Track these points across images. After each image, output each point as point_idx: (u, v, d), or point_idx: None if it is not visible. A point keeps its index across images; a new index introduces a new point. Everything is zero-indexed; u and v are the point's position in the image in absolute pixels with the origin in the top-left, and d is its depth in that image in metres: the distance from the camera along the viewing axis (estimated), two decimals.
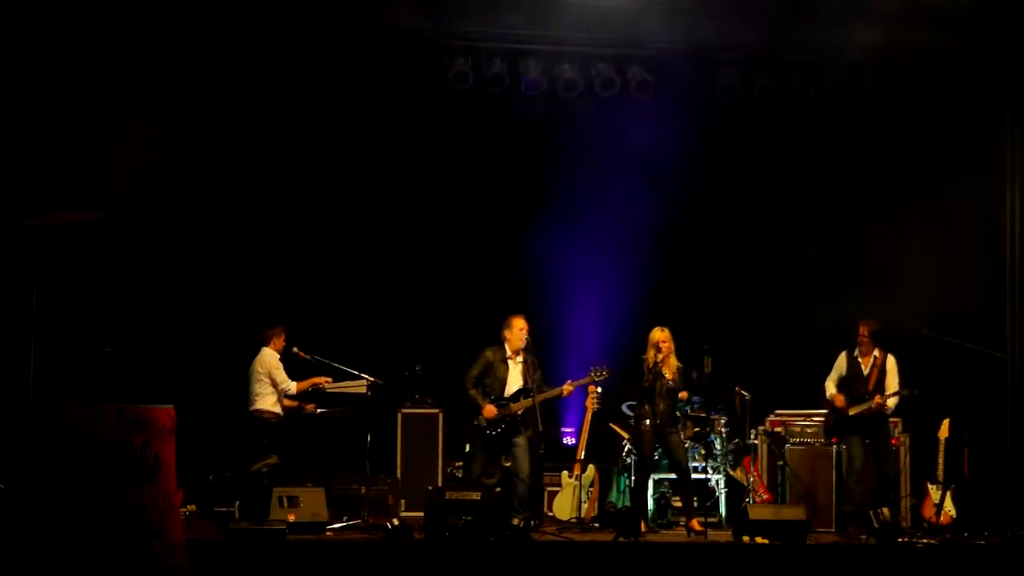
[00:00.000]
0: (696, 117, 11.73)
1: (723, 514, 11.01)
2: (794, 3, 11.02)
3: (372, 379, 11.03)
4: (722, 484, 11.12)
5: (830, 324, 11.35)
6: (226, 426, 11.14)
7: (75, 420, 6.81)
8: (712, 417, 11.13)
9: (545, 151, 12.42)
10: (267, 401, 11.00)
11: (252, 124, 11.88)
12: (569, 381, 10.62)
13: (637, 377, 10.41)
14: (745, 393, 11.11)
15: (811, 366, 11.17)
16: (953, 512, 10.57)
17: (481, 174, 12.52)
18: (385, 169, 12.41)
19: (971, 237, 11.86)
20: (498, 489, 10.10)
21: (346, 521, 10.24)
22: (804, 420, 11.27)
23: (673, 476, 10.87)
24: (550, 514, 11.00)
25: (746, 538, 9.50)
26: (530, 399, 10.33)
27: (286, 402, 11.08)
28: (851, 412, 10.57)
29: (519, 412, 10.43)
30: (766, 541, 9.39)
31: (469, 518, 9.34)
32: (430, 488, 10.22)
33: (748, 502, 10.69)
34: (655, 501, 10.96)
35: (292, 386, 11.01)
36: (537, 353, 10.68)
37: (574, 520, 10.71)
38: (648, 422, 10.34)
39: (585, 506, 10.73)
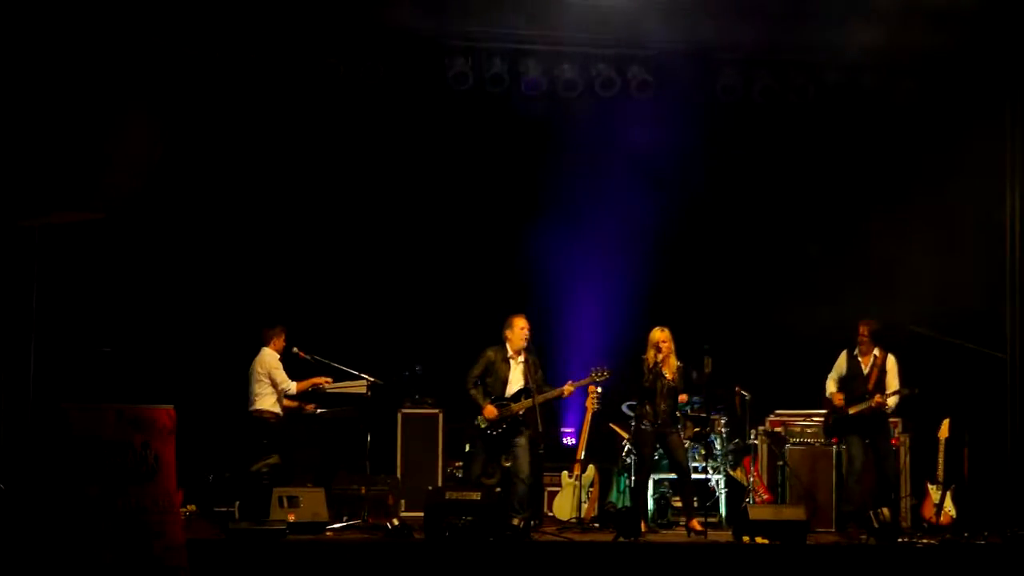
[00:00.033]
0: (696, 117, 11.73)
1: (723, 514, 11.00)
2: (794, 3, 11.02)
3: (372, 379, 11.03)
4: (722, 484, 11.12)
5: (830, 324, 11.35)
6: (226, 426, 11.13)
7: (75, 420, 6.81)
8: (712, 417, 11.13)
9: (545, 151, 12.42)
10: (267, 401, 11.00)
11: (252, 124, 11.88)
12: (570, 381, 10.62)
13: (637, 377, 10.41)
14: (745, 393, 11.11)
15: (811, 366, 11.17)
16: (953, 512, 10.57)
17: (481, 174, 12.52)
18: (385, 169, 12.41)
19: (971, 237, 11.86)
20: (498, 489, 10.10)
21: (346, 521, 10.24)
22: (804, 420, 11.27)
23: (673, 476, 10.87)
24: (550, 514, 11.00)
25: (746, 538, 9.50)
26: (531, 399, 10.32)
27: (286, 402, 11.08)
28: (851, 411, 10.57)
29: (520, 412, 10.43)
30: (766, 541, 9.39)
31: (469, 518, 9.34)
32: (430, 488, 10.22)
33: (748, 502, 10.69)
34: (655, 501, 10.96)
35: (292, 386, 11.01)
36: (537, 353, 10.68)
37: (574, 520, 10.71)
38: (648, 422, 10.34)
39: (585, 506, 10.73)
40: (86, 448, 6.76)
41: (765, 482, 11.15)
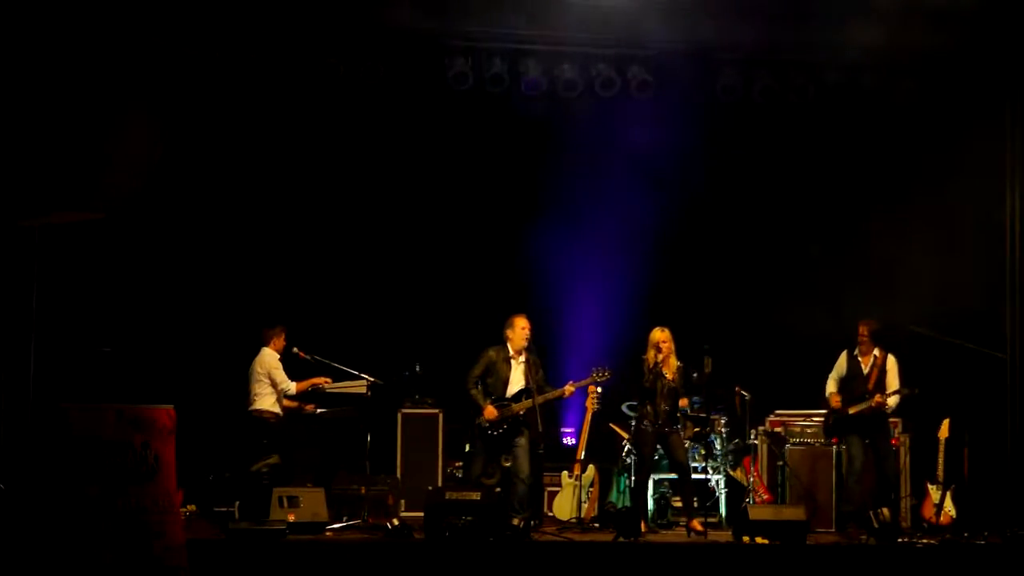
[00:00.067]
0: (696, 117, 11.73)
1: (723, 514, 11.00)
2: (794, 3, 11.02)
3: (372, 379, 11.03)
4: (722, 484, 11.12)
5: (830, 324, 11.35)
6: (226, 426, 11.13)
7: (75, 420, 6.81)
8: (712, 417, 11.12)
9: (545, 151, 12.42)
10: (267, 401, 11.00)
11: (252, 124, 11.88)
12: (571, 382, 10.62)
13: (638, 377, 10.41)
14: (745, 393, 11.11)
15: (811, 366, 11.17)
16: (953, 512, 10.57)
17: (481, 174, 12.52)
18: (385, 169, 12.41)
19: (971, 237, 11.85)
20: (498, 489, 10.10)
21: (346, 521, 10.24)
22: (804, 420, 11.27)
23: (673, 476, 10.87)
24: (550, 514, 11.00)
25: (746, 538, 9.50)
26: (531, 399, 10.32)
27: (286, 402, 11.08)
28: (851, 411, 10.57)
29: (521, 412, 10.43)
30: (766, 541, 9.39)
31: (469, 518, 9.34)
32: (430, 488, 10.22)
33: (748, 502, 10.69)
34: (655, 501, 10.96)
35: (291, 386, 11.01)
36: (538, 353, 10.68)
37: (574, 520, 10.71)
38: (649, 422, 10.34)
39: (585, 506, 10.74)
40: (86, 448, 6.76)
41: (765, 482, 11.15)
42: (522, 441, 10.44)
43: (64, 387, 10.25)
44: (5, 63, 9.59)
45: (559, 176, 12.39)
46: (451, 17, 11.09)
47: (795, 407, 11.43)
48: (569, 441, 12.03)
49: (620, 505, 10.90)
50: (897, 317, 11.19)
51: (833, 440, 10.90)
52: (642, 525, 10.11)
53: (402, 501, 10.86)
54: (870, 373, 10.62)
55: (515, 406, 10.44)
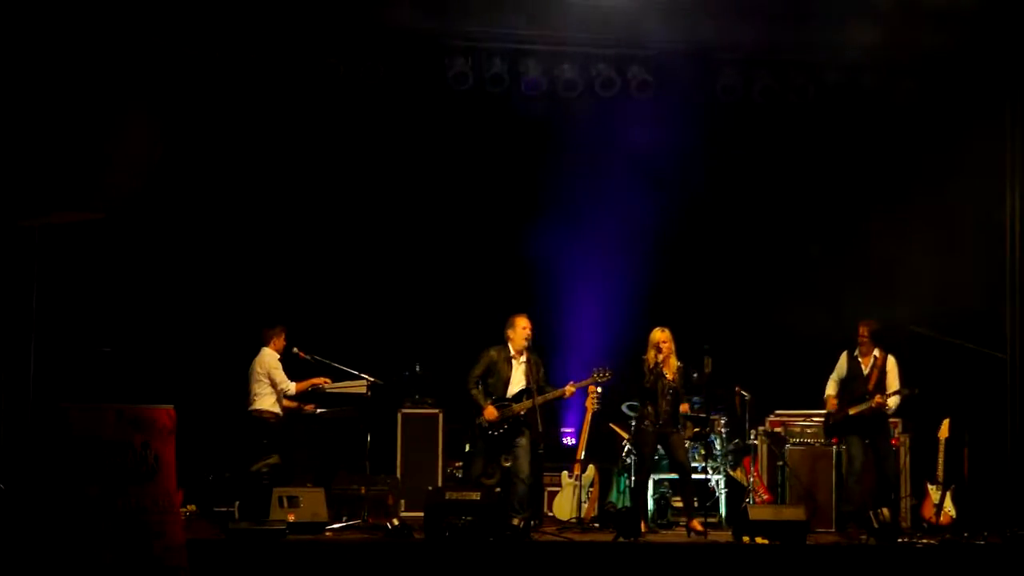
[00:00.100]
0: (696, 117, 11.73)
1: (723, 514, 11.00)
2: (794, 3, 11.02)
3: (372, 379, 11.03)
4: (722, 484, 11.12)
5: (830, 324, 11.35)
6: (226, 426, 11.13)
7: (75, 420, 6.81)
8: (712, 417, 11.13)
9: (545, 151, 12.42)
10: (267, 401, 11.00)
11: (252, 124, 11.88)
12: (571, 382, 10.62)
13: (638, 377, 10.41)
14: (745, 393, 11.11)
15: (811, 366, 11.17)
16: (953, 512, 10.56)
17: (481, 174, 12.52)
18: (385, 169, 12.41)
19: (971, 237, 11.85)
20: (498, 489, 10.10)
21: (346, 521, 10.24)
22: (804, 420, 11.27)
23: (673, 476, 10.88)
24: (550, 514, 11.00)
25: (746, 538, 9.50)
26: (532, 400, 10.32)
27: (285, 402, 11.08)
28: (851, 412, 10.57)
29: (521, 412, 10.43)
30: (766, 541, 9.39)
31: (469, 518, 9.34)
32: (430, 488, 10.22)
33: (748, 502, 10.69)
34: (655, 501, 10.96)
35: (291, 387, 11.01)
36: (537, 353, 10.67)
37: (574, 520, 10.71)
38: (650, 422, 10.34)
39: (585, 506, 10.74)
40: (86, 448, 6.76)
41: (765, 482, 11.15)
42: (523, 441, 10.43)
43: (64, 387, 10.26)
44: (5, 63, 9.59)
45: (559, 176, 12.39)
46: (451, 17, 11.09)
47: (795, 407, 11.43)
48: (569, 441, 12.03)
49: (620, 505, 10.91)
50: (897, 317, 11.19)
51: (833, 440, 10.91)
52: (642, 525, 10.11)
53: (402, 501, 10.86)
54: (870, 374, 10.61)
55: (516, 406, 10.44)
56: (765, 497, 11.01)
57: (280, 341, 11.15)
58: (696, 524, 10.14)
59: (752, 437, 11.17)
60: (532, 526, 10.06)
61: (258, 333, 11.17)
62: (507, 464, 10.55)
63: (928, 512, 10.67)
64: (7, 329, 10.33)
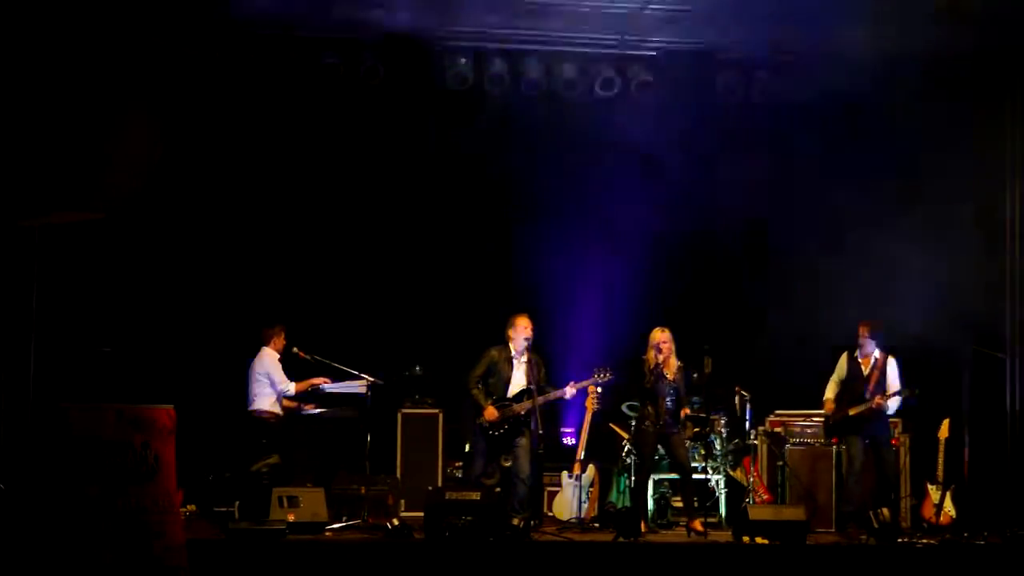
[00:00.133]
0: (696, 117, 11.72)
1: (723, 514, 11.00)
2: (794, 3, 11.01)
3: (372, 379, 11.03)
4: (722, 484, 11.12)
5: (830, 324, 11.35)
6: (226, 426, 11.13)
7: (75, 420, 6.81)
8: (712, 417, 11.13)
9: (545, 151, 12.41)
10: (266, 401, 11.00)
11: (252, 124, 11.87)
12: (572, 383, 10.61)
13: (638, 378, 10.41)
14: (745, 393, 11.11)
15: (811, 366, 11.17)
16: (953, 512, 10.57)
17: (481, 174, 12.51)
18: (385, 169, 12.40)
19: (971, 237, 11.84)
20: (498, 489, 10.10)
21: (346, 521, 10.24)
22: (804, 420, 11.27)
23: (673, 476, 10.89)
24: (550, 514, 11.00)
25: (746, 538, 9.51)
26: (532, 400, 10.32)
27: (285, 402, 11.08)
28: (851, 412, 10.57)
29: (522, 412, 10.43)
30: (766, 541, 9.39)
31: (469, 518, 9.34)
32: (430, 488, 10.23)
33: (748, 502, 10.69)
34: (655, 501, 10.96)
35: (291, 387, 11.01)
36: (537, 353, 10.67)
37: (574, 520, 10.70)
38: (651, 422, 10.34)
39: (585, 506, 10.73)
40: (86, 448, 6.76)
41: (765, 482, 11.15)
42: (523, 441, 10.43)
43: (64, 387, 10.26)
44: (5, 63, 9.59)
45: (559, 176, 12.38)
46: (451, 17, 11.09)
47: (795, 407, 11.43)
48: (569, 441, 12.03)
49: (620, 505, 10.91)
50: (897, 317, 11.18)
51: (833, 440, 10.91)
52: (642, 525, 10.11)
53: (402, 501, 10.85)
54: (870, 374, 10.61)
55: (516, 406, 10.44)
56: (765, 497, 11.01)
57: (280, 341, 11.15)
58: (697, 524, 10.15)
59: (752, 437, 11.17)
60: (532, 526, 10.06)
61: (258, 333, 11.17)
62: (507, 464, 10.55)
63: (928, 512, 10.67)
64: (7, 329, 10.33)
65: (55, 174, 9.34)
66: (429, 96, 11.87)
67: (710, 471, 11.14)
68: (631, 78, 11.55)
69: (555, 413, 11.84)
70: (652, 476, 10.75)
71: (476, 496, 9.57)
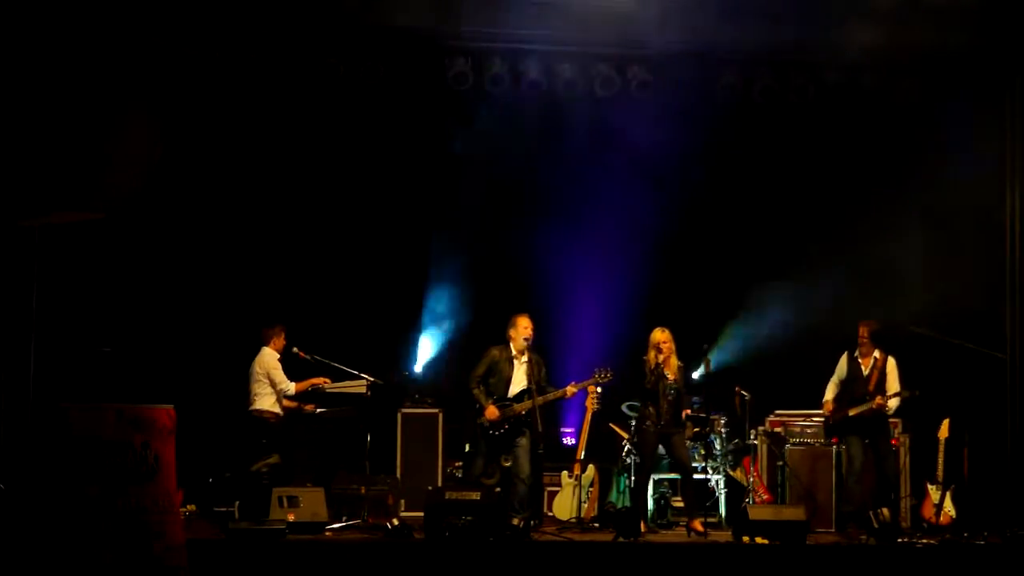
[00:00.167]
0: (696, 117, 11.73)
1: (723, 514, 11.00)
2: (794, 3, 11.02)
3: (372, 379, 11.03)
4: (722, 484, 11.11)
5: (830, 324, 11.35)
6: (226, 426, 11.13)
7: (75, 420, 6.81)
8: (712, 417, 11.13)
9: (545, 151, 12.41)
10: (267, 401, 11.00)
11: (252, 124, 11.87)
12: (572, 383, 10.62)
13: (639, 378, 10.41)
14: (745, 393, 11.11)
15: (811, 366, 11.17)
16: (953, 512, 10.56)
17: (481, 174, 12.51)
18: (385, 169, 12.40)
19: (971, 237, 11.85)
20: (498, 489, 10.10)
21: (346, 521, 10.24)
22: (804, 420, 11.27)
23: (673, 476, 10.89)
24: (550, 514, 10.99)
25: (746, 538, 9.50)
26: (532, 400, 10.32)
27: (286, 402, 11.08)
28: (851, 413, 10.56)
29: (522, 412, 10.43)
30: (766, 541, 9.39)
31: (469, 518, 9.34)
32: (430, 488, 10.22)
33: (748, 502, 10.69)
34: (655, 501, 10.96)
35: (291, 387, 11.01)
36: (537, 353, 10.67)
37: (574, 520, 10.71)
38: (652, 423, 10.34)
39: (585, 506, 10.73)
40: (86, 448, 6.76)
41: (765, 482, 11.15)
42: (523, 441, 10.43)
43: (64, 387, 10.26)
44: (5, 63, 9.59)
45: (559, 176, 12.39)
46: (451, 17, 11.09)
47: (795, 407, 11.43)
48: (569, 441, 12.03)
49: (620, 505, 10.91)
50: (897, 317, 11.19)
51: (833, 440, 10.91)
52: (642, 525, 10.11)
53: (402, 501, 10.86)
54: (870, 375, 10.61)
55: (517, 406, 10.44)
56: (765, 497, 11.01)
57: (280, 341, 11.15)
58: (697, 524, 10.15)
59: (752, 437, 11.17)
60: (532, 526, 10.06)
61: (258, 333, 11.17)
62: (507, 464, 10.55)
63: (928, 512, 10.67)
64: (7, 329, 10.33)
65: (55, 174, 9.33)
66: (429, 96, 11.87)
67: (710, 471, 11.14)
68: (631, 78, 11.55)
69: (555, 413, 11.85)
70: (652, 476, 10.75)
71: (476, 496, 9.57)
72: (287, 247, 12.24)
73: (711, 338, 11.56)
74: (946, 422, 10.84)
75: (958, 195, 11.62)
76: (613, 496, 11.18)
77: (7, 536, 6.94)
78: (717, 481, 11.14)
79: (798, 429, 11.19)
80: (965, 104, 11.61)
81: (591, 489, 10.89)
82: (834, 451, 10.91)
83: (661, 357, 10.31)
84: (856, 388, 10.63)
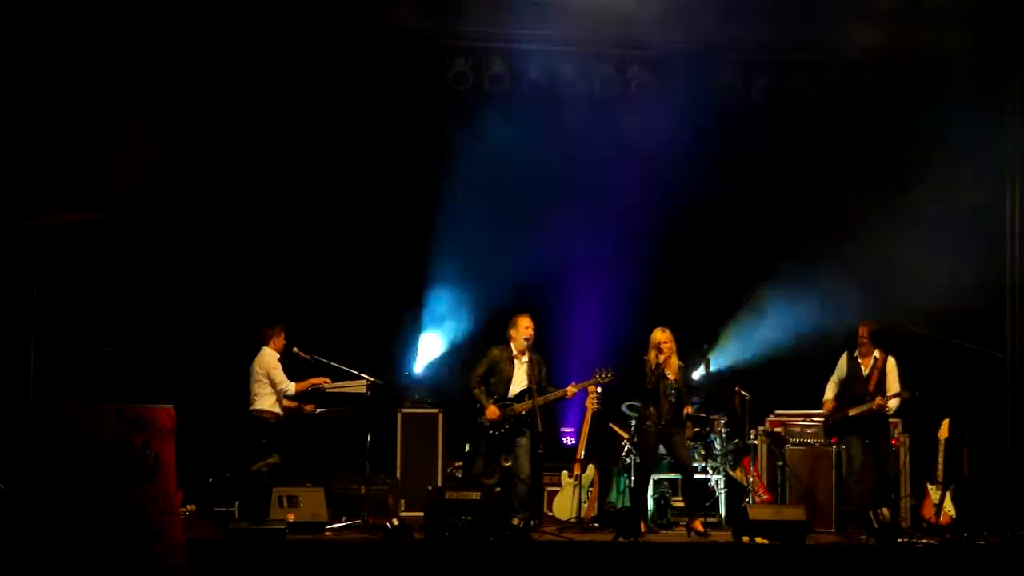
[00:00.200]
0: (696, 117, 11.72)
1: (723, 514, 11.00)
2: (794, 3, 11.02)
3: (372, 379, 11.03)
4: (722, 484, 11.12)
5: (830, 324, 11.34)
6: (226, 426, 11.13)
7: (75, 420, 6.80)
8: (712, 417, 11.13)
9: (545, 151, 12.40)
10: (267, 401, 11.00)
11: (252, 124, 11.87)
12: (573, 383, 10.62)
13: (639, 378, 10.41)
14: (745, 393, 11.11)
15: (811, 366, 11.16)
16: (953, 512, 10.57)
17: (481, 174, 12.50)
18: (384, 169, 12.40)
19: (971, 237, 11.84)
20: (498, 489, 10.10)
21: (346, 521, 10.24)
22: (804, 420, 11.27)
23: (673, 476, 10.89)
24: (550, 514, 11.00)
25: (746, 538, 9.51)
26: (532, 400, 10.31)
27: (285, 402, 11.08)
28: (851, 413, 10.56)
29: (523, 412, 10.43)
30: (766, 541, 9.39)
31: (469, 518, 9.34)
32: (430, 488, 10.22)
33: (748, 502, 10.69)
34: (655, 501, 10.96)
35: (291, 387, 11.00)
36: (537, 353, 10.67)
37: (574, 520, 10.71)
38: (651, 423, 10.34)
39: (585, 506, 10.74)
40: (86, 448, 6.76)
41: (765, 482, 11.15)
42: (523, 441, 10.43)
43: (64, 387, 10.26)
44: (5, 63, 9.59)
45: (559, 176, 12.38)
46: (451, 17, 11.09)
47: (795, 407, 11.43)
48: (569, 441, 12.03)
49: (620, 505, 10.91)
50: (897, 317, 11.19)
51: (833, 440, 10.91)
52: (642, 525, 10.11)
53: (402, 501, 10.86)
54: (870, 375, 10.61)
55: (517, 406, 10.44)
56: (765, 497, 11.01)
57: (280, 341, 11.15)
58: (698, 524, 10.15)
59: (752, 437, 11.17)
60: (532, 526, 10.06)
61: (258, 333, 11.17)
62: (507, 464, 10.55)
63: (928, 512, 10.67)
64: (7, 329, 10.33)
65: (55, 174, 9.33)
66: (429, 96, 11.87)
67: (710, 471, 11.14)
68: (631, 78, 11.55)
69: (555, 413, 11.85)
70: (652, 476, 10.75)
71: (476, 496, 9.57)
72: (287, 247, 12.24)
73: (711, 338, 11.54)
74: (946, 422, 10.84)
75: (958, 195, 11.62)
76: (613, 496, 11.18)
77: (7, 536, 6.93)
78: (717, 481, 11.14)
79: (798, 429, 11.19)
80: (965, 104, 11.60)
81: (591, 489, 10.89)
82: (834, 451, 10.91)
83: (662, 357, 10.31)
84: (856, 388, 10.63)
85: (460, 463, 11.21)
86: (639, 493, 10.52)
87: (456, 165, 12.41)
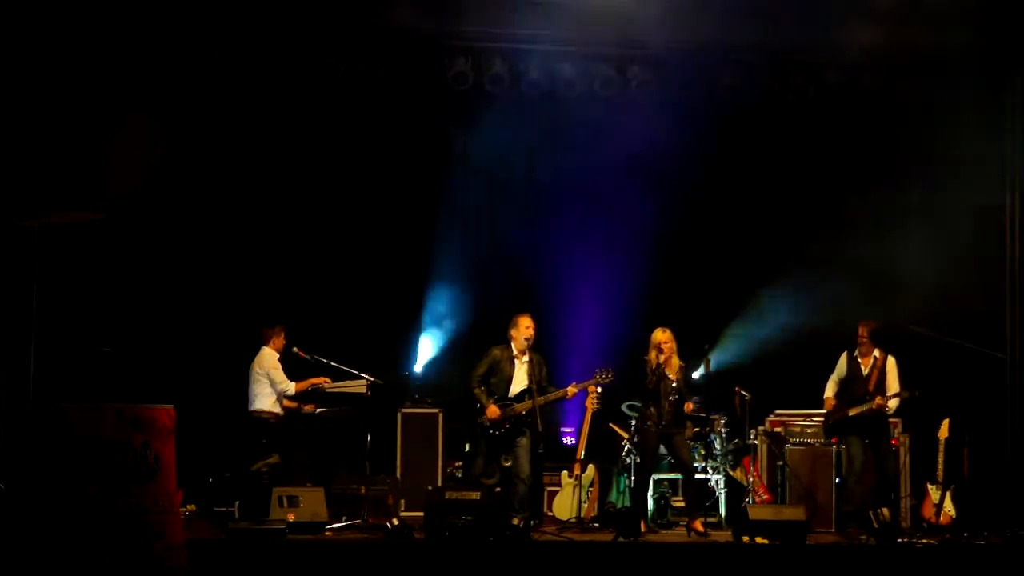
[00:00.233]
0: (696, 117, 11.73)
1: (723, 514, 11.00)
2: (794, 3, 11.02)
3: (372, 379, 11.03)
4: (722, 484, 11.12)
5: (830, 324, 11.34)
6: (226, 426, 11.13)
7: (75, 420, 6.81)
8: (712, 417, 11.12)
9: (545, 151, 12.41)
10: (266, 401, 10.99)
11: (252, 124, 11.88)
12: (573, 383, 10.62)
13: (640, 378, 10.41)
14: (745, 393, 11.11)
15: (811, 366, 11.16)
16: (953, 512, 10.56)
17: (481, 174, 12.51)
18: (384, 169, 12.40)
19: (971, 237, 11.84)
20: (498, 489, 10.10)
21: (346, 521, 10.24)
22: (804, 420, 11.27)
23: (673, 476, 10.89)
24: (550, 514, 11.00)
25: (746, 538, 9.51)
26: (533, 400, 10.31)
27: (285, 402, 11.08)
28: (851, 413, 10.57)
29: (523, 412, 10.43)
30: (766, 541, 9.39)
31: (469, 518, 9.34)
32: (430, 488, 10.22)
33: (748, 502, 10.69)
34: (655, 501, 10.96)
35: (291, 387, 11.00)
36: (538, 353, 10.67)
37: (574, 520, 10.71)
38: (652, 423, 10.34)
39: (585, 506, 10.74)
40: (86, 448, 6.76)
41: (765, 482, 11.15)
42: (523, 441, 10.43)
43: (64, 387, 10.26)
44: (5, 63, 9.59)
45: (559, 176, 12.39)
46: (451, 17, 11.09)
47: (795, 407, 11.43)
48: (569, 441, 12.03)
49: (620, 505, 10.91)
50: (897, 317, 11.19)
51: (833, 440, 10.91)
52: (642, 525, 10.11)
53: (402, 501, 10.86)
54: (870, 375, 10.61)
55: (517, 406, 10.44)
56: (765, 497, 11.01)
57: (280, 341, 11.15)
58: (698, 524, 10.15)
59: (752, 437, 11.18)
60: (532, 526, 10.06)
61: (258, 333, 11.17)
62: (507, 464, 10.55)
63: (928, 512, 10.67)
64: (7, 329, 10.33)
65: (55, 174, 9.34)
66: (429, 96, 11.87)
67: (710, 471, 11.14)
68: (631, 78, 11.55)
69: (555, 413, 11.85)
70: (652, 476, 10.75)
71: (476, 496, 9.57)
72: (287, 247, 12.25)
73: (711, 338, 11.54)
74: (946, 422, 10.83)
75: (958, 195, 11.63)
76: (613, 496, 11.18)
77: (7, 536, 6.94)
78: (717, 481, 11.14)
79: (798, 429, 11.19)
80: (965, 104, 11.60)
81: (591, 489, 10.89)
82: (834, 451, 10.91)
83: (662, 357, 10.31)
84: (856, 388, 10.63)
85: (460, 463, 11.21)
86: (639, 493, 10.52)
87: (456, 165, 12.43)
